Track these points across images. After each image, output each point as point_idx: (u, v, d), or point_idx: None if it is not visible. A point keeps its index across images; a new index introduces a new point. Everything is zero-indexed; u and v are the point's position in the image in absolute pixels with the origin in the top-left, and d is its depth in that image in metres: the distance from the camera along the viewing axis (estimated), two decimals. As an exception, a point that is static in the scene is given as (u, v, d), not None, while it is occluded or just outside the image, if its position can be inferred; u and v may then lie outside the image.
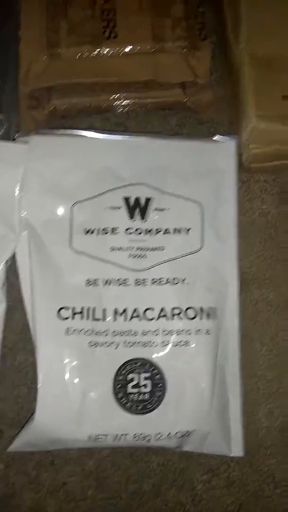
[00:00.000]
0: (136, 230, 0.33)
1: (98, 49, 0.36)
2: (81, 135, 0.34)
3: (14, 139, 0.34)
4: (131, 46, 0.36)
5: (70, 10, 0.36)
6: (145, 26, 0.36)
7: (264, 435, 0.34)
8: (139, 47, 0.36)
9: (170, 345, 0.32)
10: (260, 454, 0.34)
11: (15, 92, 0.36)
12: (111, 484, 0.33)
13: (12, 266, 0.33)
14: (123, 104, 0.37)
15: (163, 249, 0.33)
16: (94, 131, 0.34)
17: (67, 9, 0.36)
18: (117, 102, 0.37)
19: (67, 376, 0.31)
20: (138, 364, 0.32)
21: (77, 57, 0.36)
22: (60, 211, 0.33)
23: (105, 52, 0.36)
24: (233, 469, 0.34)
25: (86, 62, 0.36)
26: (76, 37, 0.36)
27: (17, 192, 0.33)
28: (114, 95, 0.37)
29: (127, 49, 0.36)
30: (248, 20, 0.35)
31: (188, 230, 0.33)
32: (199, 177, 0.34)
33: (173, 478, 0.33)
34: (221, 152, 0.34)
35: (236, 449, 0.33)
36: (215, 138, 0.35)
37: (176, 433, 0.31)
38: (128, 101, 0.37)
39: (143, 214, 0.33)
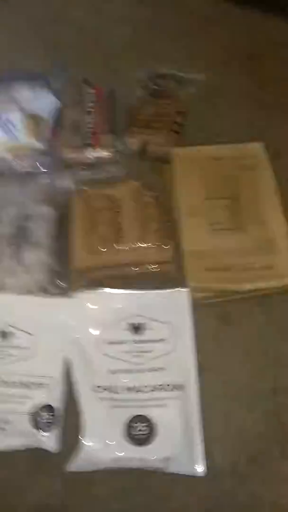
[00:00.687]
0: (137, 341, 0.60)
1: (114, 248, 0.67)
2: (104, 291, 0.64)
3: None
4: (131, 245, 0.67)
5: (99, 229, 0.68)
6: (138, 235, 0.67)
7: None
8: (135, 246, 0.67)
9: (156, 406, 0.56)
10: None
11: (69, 271, 0.67)
12: (129, 498, 0.53)
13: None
14: (127, 273, 0.67)
15: (151, 351, 0.59)
16: (111, 289, 0.64)
17: (98, 228, 0.69)
18: (125, 272, 0.66)
19: (99, 424, 0.55)
20: (139, 418, 0.55)
21: (103, 253, 0.67)
22: (95, 332, 0.60)
23: (117, 249, 0.67)
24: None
25: (108, 254, 0.66)
26: (102, 242, 0.66)
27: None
28: (122, 269, 0.67)
29: (129, 247, 0.67)
30: (185, 232, 0.67)
31: (165, 340, 0.60)
32: (171, 310, 0.61)
33: (166, 494, 0.53)
34: (181, 296, 0.62)
35: (199, 470, 0.53)
36: (177, 289, 0.63)
37: (162, 457, 0.53)
38: (130, 272, 0.66)
39: (140, 332, 0.61)
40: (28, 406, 0.56)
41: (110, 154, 0.77)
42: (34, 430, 0.55)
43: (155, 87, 0.86)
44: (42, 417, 0.56)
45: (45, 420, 0.55)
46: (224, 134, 0.79)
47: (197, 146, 0.76)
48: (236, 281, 0.64)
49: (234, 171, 0.72)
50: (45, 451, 0.55)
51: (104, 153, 0.77)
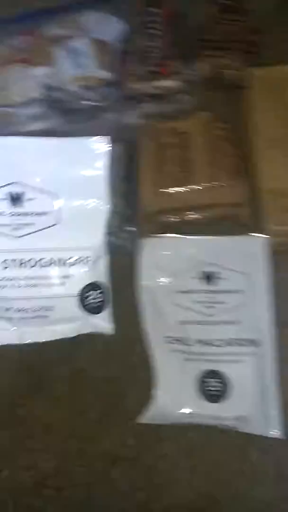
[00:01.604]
0: (209, 291, 0.55)
1: (183, 188, 0.61)
2: (175, 237, 0.58)
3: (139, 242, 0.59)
4: (201, 185, 0.60)
5: (166, 167, 0.62)
6: (208, 173, 0.60)
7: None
8: (205, 185, 0.60)
9: (231, 362, 0.52)
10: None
11: (138, 215, 0.62)
12: (198, 455, 0.51)
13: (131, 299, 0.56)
14: (198, 217, 0.61)
15: (224, 302, 0.54)
16: (181, 234, 0.58)
17: (165, 167, 0.62)
18: (195, 216, 0.61)
19: (172, 377, 0.52)
20: (212, 373, 0.52)
21: (172, 193, 0.61)
22: (165, 280, 0.56)
23: (187, 189, 0.61)
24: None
25: (177, 195, 0.60)
26: (171, 182, 0.61)
27: (105, 171, 0.50)
28: (192, 212, 0.61)
29: (199, 187, 0.60)
30: (264, 168, 0.58)
31: (240, 291, 0.54)
32: (245, 259, 0.55)
33: (237, 453, 0.50)
34: (257, 243, 0.55)
35: (275, 432, 0.49)
36: (253, 235, 0.56)
37: (236, 416, 0.50)
38: (201, 215, 0.60)
39: (212, 281, 0.55)
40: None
41: (179, 82, 0.69)
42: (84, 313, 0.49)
43: (226, 1, 0.74)
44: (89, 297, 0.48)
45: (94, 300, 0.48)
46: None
47: (278, 67, 0.65)
48: None
49: None
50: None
51: (173, 82, 0.69)
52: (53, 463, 0.54)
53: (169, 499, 0.51)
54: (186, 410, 0.51)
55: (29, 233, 0.46)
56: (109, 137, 0.49)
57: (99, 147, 0.48)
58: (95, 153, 0.48)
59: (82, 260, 0.48)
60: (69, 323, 0.48)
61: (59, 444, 0.54)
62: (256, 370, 0.51)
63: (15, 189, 0.46)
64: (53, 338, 0.49)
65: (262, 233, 0.56)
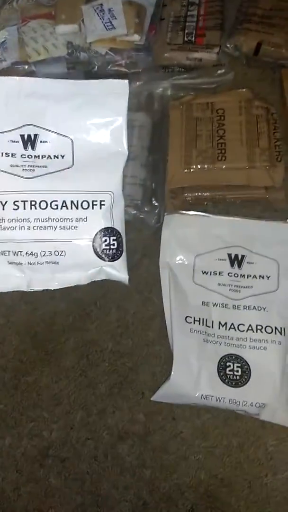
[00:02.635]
0: (235, 274, 0.53)
1: (215, 166, 0.59)
2: (201, 215, 0.56)
3: (162, 216, 0.57)
4: (234, 164, 0.58)
5: (198, 143, 0.60)
6: (243, 153, 0.58)
7: None
8: (239, 165, 0.58)
9: (254, 348, 0.50)
10: None
11: (163, 189, 0.59)
12: (212, 437, 0.50)
13: (157, 290, 0.54)
14: (228, 197, 0.59)
15: (251, 287, 0.53)
16: (208, 213, 0.56)
17: (197, 143, 0.60)
18: (225, 196, 0.59)
19: (190, 358, 0.50)
20: (233, 357, 0.50)
21: (201, 170, 0.59)
22: (188, 259, 0.54)
23: (218, 167, 0.59)
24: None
25: (207, 173, 0.58)
26: (201, 159, 0.59)
27: (124, 116, 0.47)
28: (222, 192, 0.59)
29: (232, 166, 0.58)
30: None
31: (269, 277, 0.53)
32: (277, 245, 0.54)
33: (253, 439, 0.50)
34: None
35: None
36: (287, 221, 0.55)
37: (256, 403, 0.49)
38: (232, 196, 0.59)
39: (239, 265, 0.53)
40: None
41: (216, 55, 0.65)
42: (98, 259, 0.46)
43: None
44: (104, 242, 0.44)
45: (108, 247, 0.45)
46: None
47: None
48: None
49: None
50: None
51: (209, 54, 0.66)
52: (58, 433, 0.53)
53: (177, 479, 0.50)
54: (203, 392, 0.50)
55: (41, 175, 0.44)
56: (127, 80, 0.48)
57: (119, 89, 0.46)
58: (114, 96, 0.46)
59: (96, 204, 0.45)
60: (82, 270, 0.45)
61: (65, 415, 0.53)
62: (280, 359, 0.50)
63: (27, 132, 0.44)
64: (63, 286, 0.46)
65: (296, 220, 0.54)
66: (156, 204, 0.58)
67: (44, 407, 0.54)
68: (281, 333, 0.51)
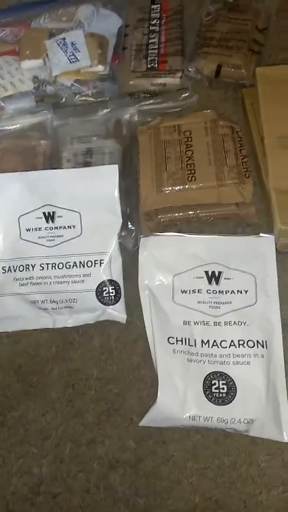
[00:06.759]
0: (213, 291, 0.53)
1: (185, 186, 0.60)
2: (176, 235, 0.57)
3: (138, 239, 0.57)
4: (204, 184, 0.59)
5: (168, 166, 0.61)
6: (212, 172, 0.59)
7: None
8: (209, 184, 0.59)
9: (237, 364, 0.50)
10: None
11: (138, 213, 0.60)
12: (203, 458, 0.50)
13: (139, 312, 0.54)
14: (201, 216, 0.60)
15: (230, 303, 0.53)
16: (183, 233, 0.57)
17: (167, 165, 0.61)
18: (198, 215, 0.60)
19: (175, 379, 0.50)
20: (218, 374, 0.50)
21: (173, 192, 0.60)
22: (166, 279, 0.54)
23: (189, 188, 0.60)
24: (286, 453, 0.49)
25: (179, 194, 0.59)
26: (172, 181, 0.60)
27: (116, 192, 0.57)
28: (195, 211, 0.60)
29: (202, 186, 0.59)
30: (273, 166, 0.57)
31: (246, 291, 0.53)
32: (252, 259, 0.54)
33: (244, 457, 0.49)
34: (264, 243, 0.55)
35: (286, 437, 0.48)
36: (260, 235, 0.56)
37: (244, 419, 0.48)
38: (204, 214, 0.60)
39: (217, 281, 0.54)
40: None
41: (180, 79, 0.68)
42: (101, 305, 0.56)
43: (230, -1, 0.73)
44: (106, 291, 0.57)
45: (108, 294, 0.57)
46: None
47: (283, 65, 0.64)
48: None
49: None
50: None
51: (173, 79, 0.68)
52: (48, 468, 0.52)
53: (172, 505, 0.49)
54: (191, 413, 0.49)
55: (59, 243, 0.58)
56: (117, 165, 0.59)
57: (109, 173, 0.58)
58: (106, 178, 0.58)
59: (97, 263, 0.57)
60: (89, 312, 0.57)
61: (54, 448, 0.52)
62: (263, 372, 0.50)
63: (48, 210, 0.58)
64: (78, 324, 0.57)
65: (269, 233, 0.55)
66: (132, 228, 0.59)
67: (32, 442, 0.53)
68: (263, 346, 0.51)
